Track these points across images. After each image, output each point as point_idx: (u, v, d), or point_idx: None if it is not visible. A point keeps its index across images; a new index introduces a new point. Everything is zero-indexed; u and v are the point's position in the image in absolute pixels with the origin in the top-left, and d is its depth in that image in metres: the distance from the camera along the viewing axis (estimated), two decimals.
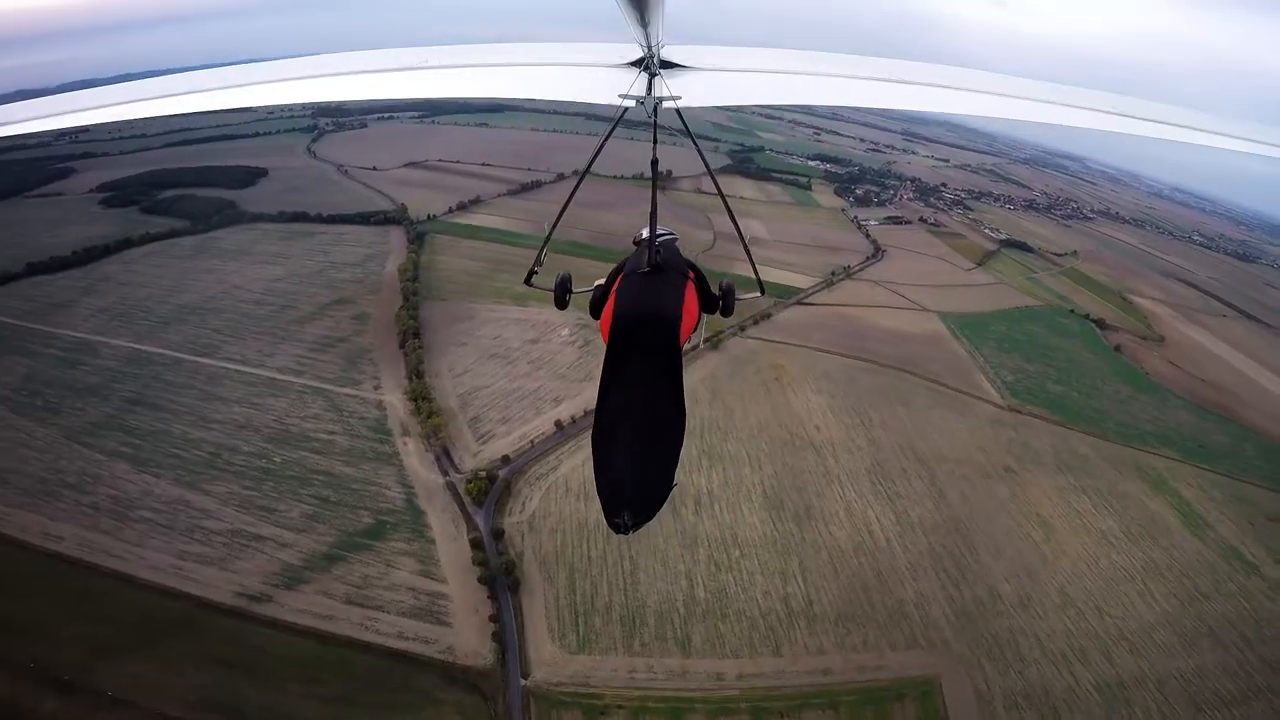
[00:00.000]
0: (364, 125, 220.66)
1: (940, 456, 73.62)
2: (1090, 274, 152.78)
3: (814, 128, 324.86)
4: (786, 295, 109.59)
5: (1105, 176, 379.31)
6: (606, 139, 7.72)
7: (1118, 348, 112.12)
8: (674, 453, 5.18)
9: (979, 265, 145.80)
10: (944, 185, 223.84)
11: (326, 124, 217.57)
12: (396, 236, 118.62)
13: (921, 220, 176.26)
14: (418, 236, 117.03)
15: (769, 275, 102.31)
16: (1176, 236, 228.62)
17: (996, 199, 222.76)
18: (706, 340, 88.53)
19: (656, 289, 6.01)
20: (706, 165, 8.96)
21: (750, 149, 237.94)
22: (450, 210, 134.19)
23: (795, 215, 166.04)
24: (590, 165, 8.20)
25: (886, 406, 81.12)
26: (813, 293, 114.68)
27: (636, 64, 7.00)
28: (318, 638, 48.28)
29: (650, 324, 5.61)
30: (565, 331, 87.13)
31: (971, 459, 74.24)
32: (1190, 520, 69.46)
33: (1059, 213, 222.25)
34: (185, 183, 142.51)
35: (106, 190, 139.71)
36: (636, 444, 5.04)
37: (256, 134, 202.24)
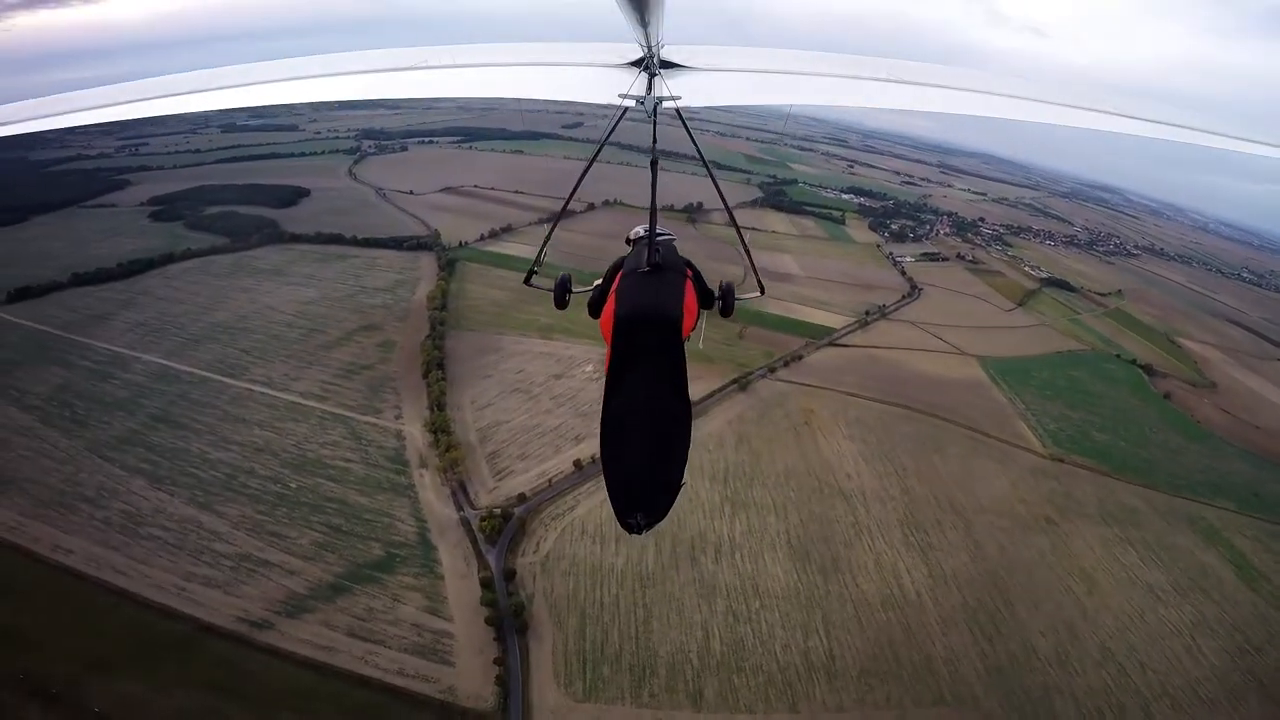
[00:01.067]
0: (404, 149, 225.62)
1: (978, 507, 70.32)
2: (1136, 315, 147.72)
3: (848, 160, 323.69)
4: (818, 336, 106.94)
5: (1147, 210, 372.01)
6: (607, 138, 7.67)
7: (1167, 395, 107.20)
8: (683, 451, 5.12)
9: (1019, 305, 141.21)
10: (982, 220, 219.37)
11: (369, 146, 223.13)
12: (428, 262, 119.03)
13: (959, 257, 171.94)
14: (448, 263, 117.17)
15: (801, 314, 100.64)
16: (1225, 273, 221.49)
17: (1036, 234, 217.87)
18: (734, 381, 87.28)
19: (657, 288, 5.90)
20: (705, 164, 8.65)
21: (783, 181, 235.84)
22: (482, 237, 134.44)
23: (829, 251, 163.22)
24: (591, 164, 8.20)
25: (922, 455, 77.68)
26: (846, 333, 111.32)
27: (636, 64, 7.02)
28: (316, 668, 47.35)
29: (653, 323, 5.49)
30: (589, 368, 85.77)
31: (1011, 510, 70.91)
32: (1244, 572, 66.27)
33: (1101, 249, 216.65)
34: (231, 200, 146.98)
35: (156, 204, 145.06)
36: (645, 444, 4.98)
37: (303, 154, 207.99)
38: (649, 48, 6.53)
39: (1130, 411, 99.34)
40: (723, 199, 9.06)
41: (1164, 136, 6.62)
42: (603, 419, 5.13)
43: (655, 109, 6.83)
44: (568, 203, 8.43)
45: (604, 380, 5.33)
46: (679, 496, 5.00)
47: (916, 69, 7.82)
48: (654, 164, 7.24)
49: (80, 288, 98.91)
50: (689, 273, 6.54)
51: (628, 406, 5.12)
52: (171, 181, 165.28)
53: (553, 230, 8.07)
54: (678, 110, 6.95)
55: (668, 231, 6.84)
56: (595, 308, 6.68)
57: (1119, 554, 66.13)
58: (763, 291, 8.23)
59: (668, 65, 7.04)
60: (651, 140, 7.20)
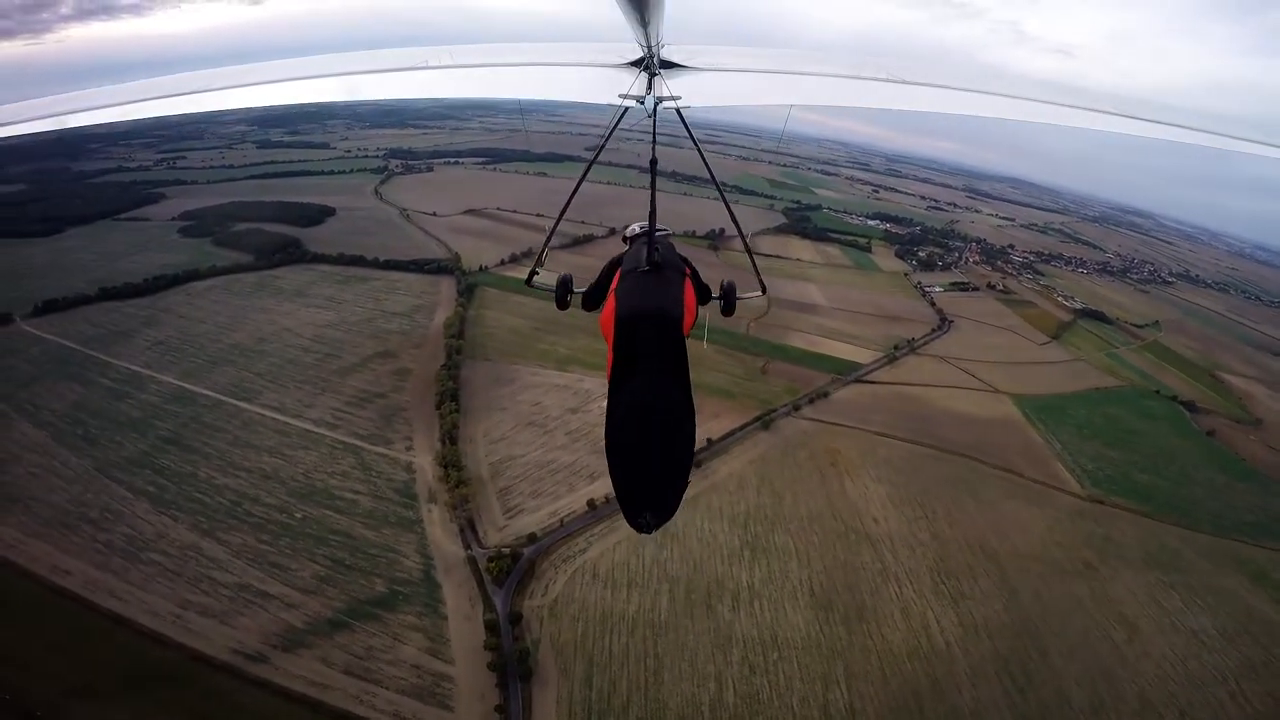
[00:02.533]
0: (431, 169, 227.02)
1: (1012, 552, 67.11)
2: (1174, 348, 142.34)
3: (872, 184, 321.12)
4: (845, 371, 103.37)
5: (1180, 234, 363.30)
6: (607, 139, 7.95)
7: (1210, 432, 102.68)
8: (688, 449, 5.15)
9: (1054, 339, 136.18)
10: (1011, 247, 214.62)
11: (396, 166, 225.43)
12: (447, 287, 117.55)
13: (990, 286, 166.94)
14: (467, 289, 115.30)
15: (826, 348, 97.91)
16: (1265, 301, 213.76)
17: (1068, 262, 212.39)
18: (756, 419, 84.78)
19: (658, 287, 5.88)
20: (708, 167, 8.69)
21: (807, 207, 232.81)
22: (502, 262, 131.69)
23: (855, 280, 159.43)
24: (590, 166, 8.51)
25: (953, 498, 74.05)
26: (873, 369, 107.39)
27: (637, 64, 7.00)
28: (308, 705, 45.80)
29: (655, 322, 5.45)
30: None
31: (1047, 555, 67.73)
32: None
33: (1135, 276, 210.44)
34: (259, 217, 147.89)
35: (187, 219, 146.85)
36: (652, 443, 4.95)
37: (332, 172, 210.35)
38: (649, 48, 6.45)
39: (1172, 450, 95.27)
40: (717, 186, 8.97)
41: (1166, 137, 6.56)
42: (607, 419, 5.06)
43: (655, 109, 6.92)
44: (570, 200, 8.36)
45: (607, 381, 5.26)
46: (684, 495, 5.01)
47: (919, 69, 7.69)
48: (653, 164, 7.24)
49: (106, 302, 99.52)
50: (687, 270, 6.54)
51: (632, 406, 5.04)
52: (204, 196, 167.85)
53: (552, 233, 8.18)
54: (678, 110, 6.99)
55: (664, 227, 6.78)
56: (590, 300, 6.88)
57: (1161, 599, 63.54)
58: (764, 290, 8.19)
59: (668, 65, 6.95)
60: (651, 140, 7.25)
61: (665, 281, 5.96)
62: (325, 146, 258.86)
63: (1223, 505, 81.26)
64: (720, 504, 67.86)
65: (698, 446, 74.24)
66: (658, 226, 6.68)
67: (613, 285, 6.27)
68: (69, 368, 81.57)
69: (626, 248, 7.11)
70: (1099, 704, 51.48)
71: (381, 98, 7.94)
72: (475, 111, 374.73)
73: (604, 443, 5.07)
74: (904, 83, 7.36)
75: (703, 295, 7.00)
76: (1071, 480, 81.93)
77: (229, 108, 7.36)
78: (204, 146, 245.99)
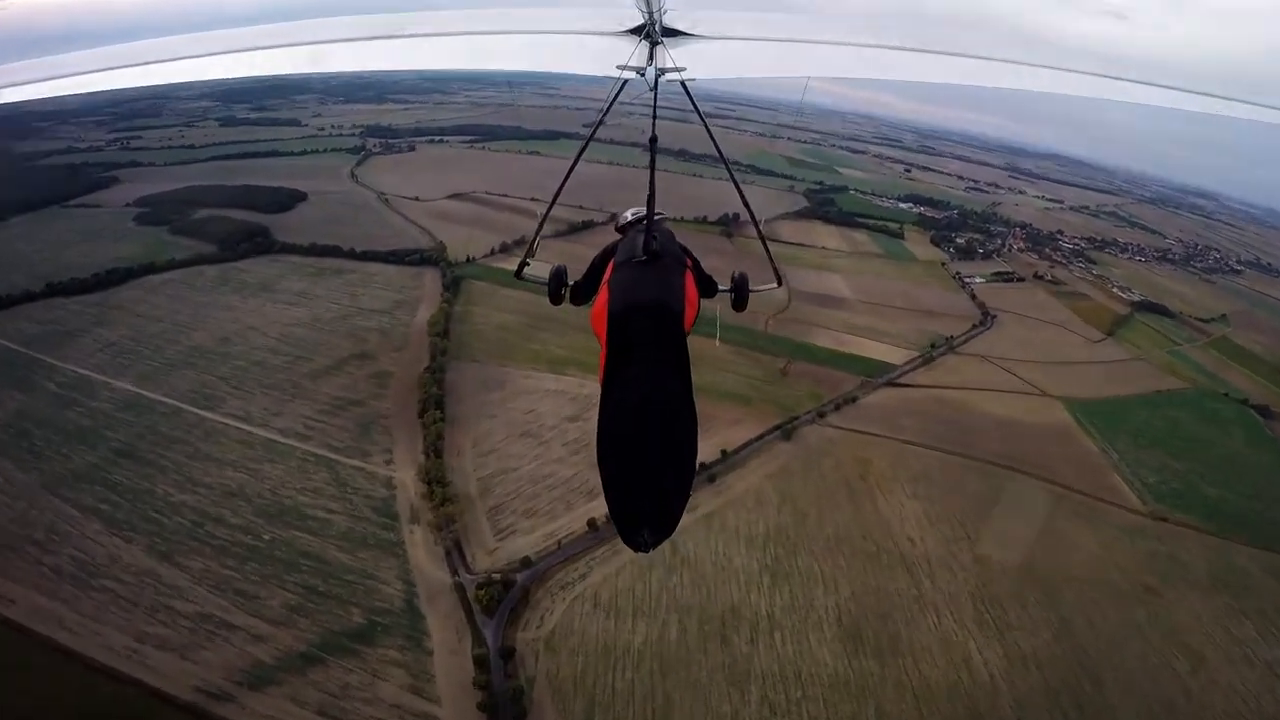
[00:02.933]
0: (412, 149, 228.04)
1: (1064, 576, 67.22)
2: (1244, 344, 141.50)
3: (903, 163, 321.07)
4: (875, 373, 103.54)
5: (1248, 217, 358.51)
6: (605, 114, 7.78)
7: None
8: (690, 459, 5.06)
9: (1109, 335, 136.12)
10: (1060, 232, 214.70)
11: (374, 145, 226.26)
12: (431, 280, 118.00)
13: (1037, 276, 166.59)
14: (453, 282, 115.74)
15: (854, 347, 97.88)
16: None
17: (1123, 249, 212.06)
18: (776, 428, 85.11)
19: (656, 278, 5.88)
20: (715, 144, 8.75)
21: (831, 188, 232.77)
22: (492, 252, 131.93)
23: (886, 270, 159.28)
24: (586, 146, 8.34)
25: (998, 516, 74.17)
26: (907, 371, 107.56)
27: (636, 31, 7.06)
28: None
29: (654, 316, 5.45)
30: None
31: (1104, 578, 67.77)
32: None
33: (1199, 264, 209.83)
34: (222, 202, 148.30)
35: (143, 205, 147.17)
36: (650, 452, 4.85)
37: (304, 152, 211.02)
38: (650, 14, 6.53)
39: (1243, 460, 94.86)
40: (726, 165, 9.22)
41: (1234, 114, 6.51)
42: (600, 425, 4.95)
43: (657, 81, 6.90)
44: (565, 183, 8.30)
45: (600, 382, 5.20)
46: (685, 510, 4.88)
47: (949, 36, 7.72)
48: (653, 142, 7.24)
49: (52, 298, 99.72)
50: (689, 261, 6.53)
51: (627, 410, 4.94)
52: (162, 180, 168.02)
53: (543, 222, 8.48)
54: (682, 82, 6.97)
55: (661, 212, 6.74)
56: (581, 294, 7.04)
57: (1231, 626, 63.29)
58: (780, 282, 8.29)
59: (671, 33, 7.01)
60: (652, 117, 7.24)
61: (664, 272, 5.96)
62: (295, 124, 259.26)
63: None
64: (736, 523, 68.00)
65: (711, 458, 76.14)
66: (656, 212, 6.67)
67: (606, 277, 6.28)
68: (13, 371, 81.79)
69: (620, 236, 7.17)
70: None
71: (354, 69, 8.05)
72: (461, 84, 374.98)
73: (596, 452, 4.99)
74: (932, 52, 7.34)
75: (706, 289, 7.04)
76: (1130, 494, 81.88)
77: (187, 80, 7.38)
78: (162, 125, 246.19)
